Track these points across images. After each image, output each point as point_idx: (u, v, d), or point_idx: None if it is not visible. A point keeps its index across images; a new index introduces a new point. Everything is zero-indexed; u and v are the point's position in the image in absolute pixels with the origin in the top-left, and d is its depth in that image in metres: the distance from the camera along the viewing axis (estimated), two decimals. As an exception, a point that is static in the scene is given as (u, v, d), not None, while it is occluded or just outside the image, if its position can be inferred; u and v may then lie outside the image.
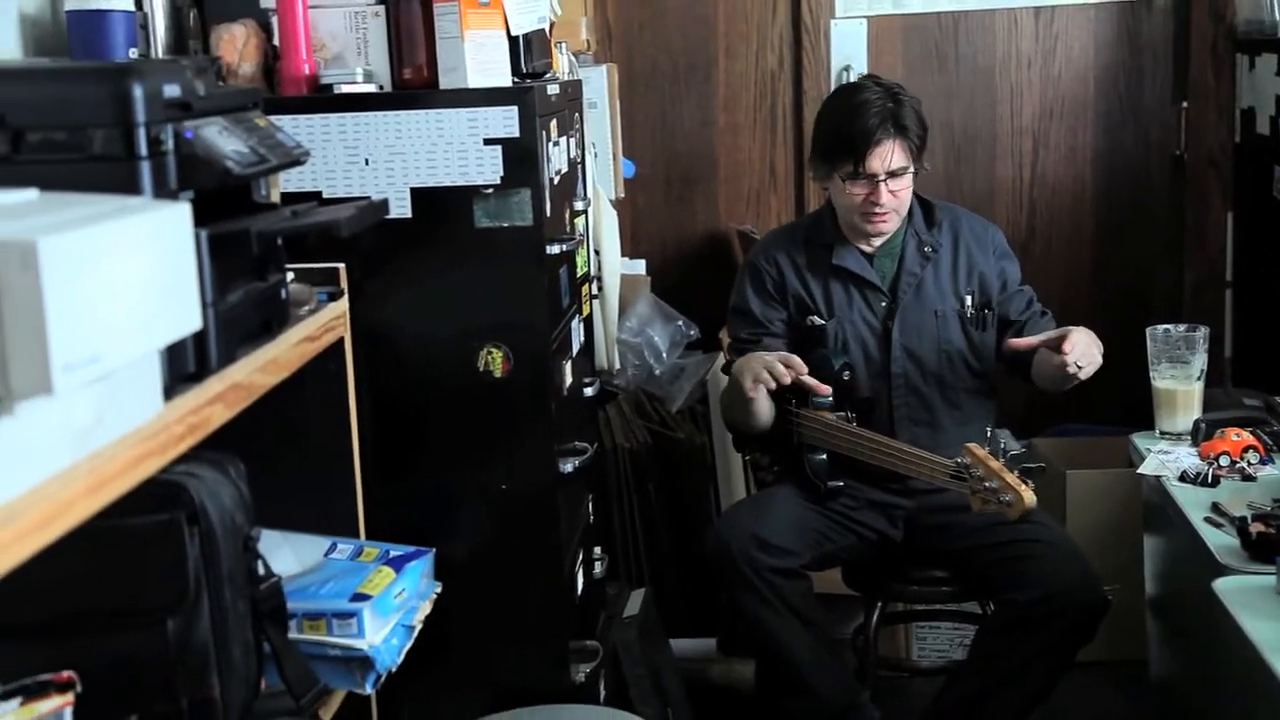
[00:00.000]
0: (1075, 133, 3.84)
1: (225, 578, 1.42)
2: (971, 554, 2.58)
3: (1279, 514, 2.09)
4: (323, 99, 2.19)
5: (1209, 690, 2.18)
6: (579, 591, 2.50)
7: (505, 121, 2.18)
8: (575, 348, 2.57)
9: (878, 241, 2.73)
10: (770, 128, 3.88)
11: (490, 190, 2.20)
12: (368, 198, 2.09)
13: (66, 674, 1.22)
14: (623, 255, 3.41)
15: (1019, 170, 3.86)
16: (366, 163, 2.19)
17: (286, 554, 1.73)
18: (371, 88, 2.21)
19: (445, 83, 2.20)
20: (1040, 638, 2.46)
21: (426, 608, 1.80)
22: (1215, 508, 2.21)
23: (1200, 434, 2.50)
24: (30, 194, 1.11)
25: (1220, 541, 2.09)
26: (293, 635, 1.57)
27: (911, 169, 2.64)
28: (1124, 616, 2.70)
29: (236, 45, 2.17)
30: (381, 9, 2.22)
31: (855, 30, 3.80)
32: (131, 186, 1.24)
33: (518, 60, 2.33)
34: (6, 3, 1.97)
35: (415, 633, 1.75)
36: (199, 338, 1.27)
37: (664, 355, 3.46)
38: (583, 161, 2.80)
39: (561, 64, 2.80)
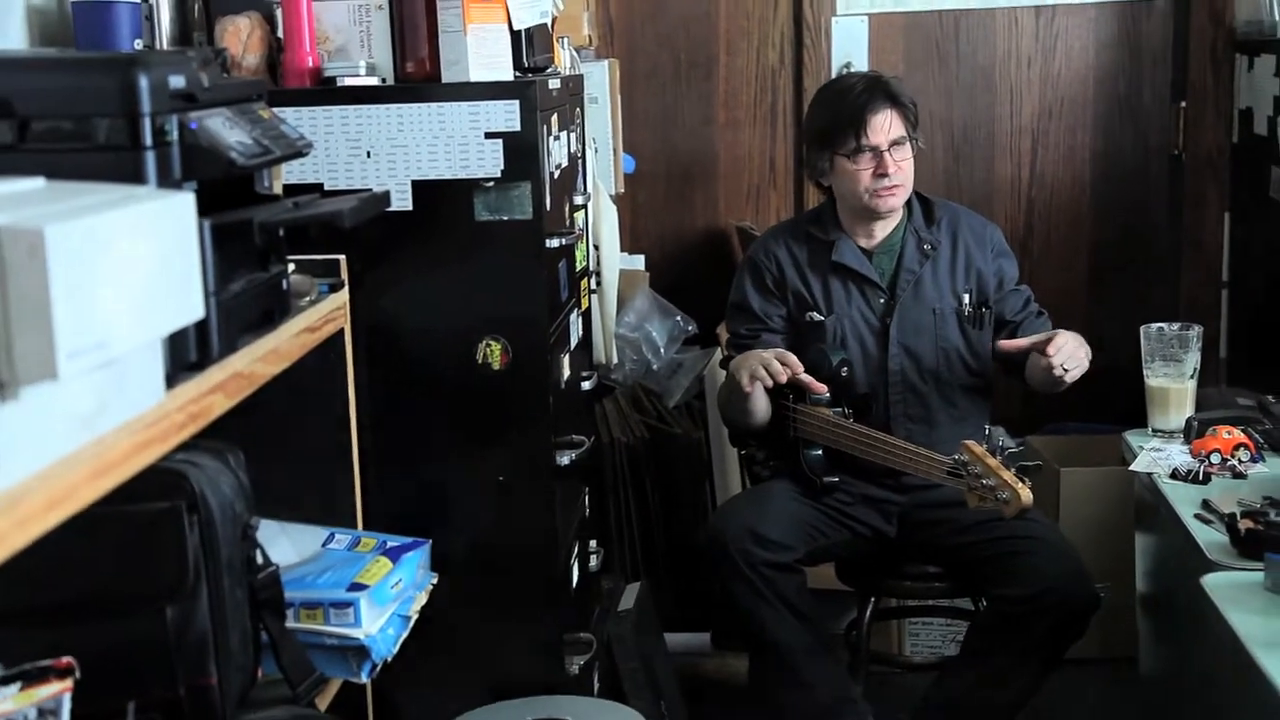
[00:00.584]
0: (1074, 132, 3.85)
1: (224, 566, 1.44)
2: (964, 550, 2.60)
3: (1268, 511, 2.10)
4: (326, 91, 2.20)
5: (1198, 686, 2.19)
6: (574, 584, 2.51)
7: (507, 115, 2.19)
8: (573, 341, 2.58)
9: (879, 235, 2.74)
10: (770, 124, 3.89)
11: (491, 184, 2.21)
12: (369, 190, 2.10)
13: (66, 660, 1.23)
14: (622, 250, 3.42)
15: (1018, 169, 3.87)
16: (368, 155, 2.20)
17: (284, 544, 1.75)
18: (374, 81, 2.22)
19: (447, 76, 2.21)
20: (1032, 634, 2.47)
21: (423, 598, 1.81)
22: (1206, 505, 2.23)
23: (1192, 432, 2.52)
24: (37, 182, 1.12)
25: (1210, 538, 2.10)
26: (290, 624, 1.58)
27: (910, 140, 2.67)
28: (1115, 613, 2.71)
29: (241, 37, 2.18)
30: (385, 2, 2.22)
31: (856, 27, 3.81)
32: (136, 176, 1.25)
33: (520, 54, 2.34)
34: (13, -6, 1.98)
35: (411, 623, 1.76)
36: (201, 327, 1.28)
37: (661, 350, 3.47)
38: (583, 156, 2.81)
39: (563, 59, 2.81)
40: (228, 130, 1.37)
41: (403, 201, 2.21)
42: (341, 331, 1.79)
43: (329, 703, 1.74)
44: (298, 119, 2.11)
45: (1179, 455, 2.47)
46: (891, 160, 2.64)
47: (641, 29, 3.87)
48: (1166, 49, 3.78)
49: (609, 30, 3.85)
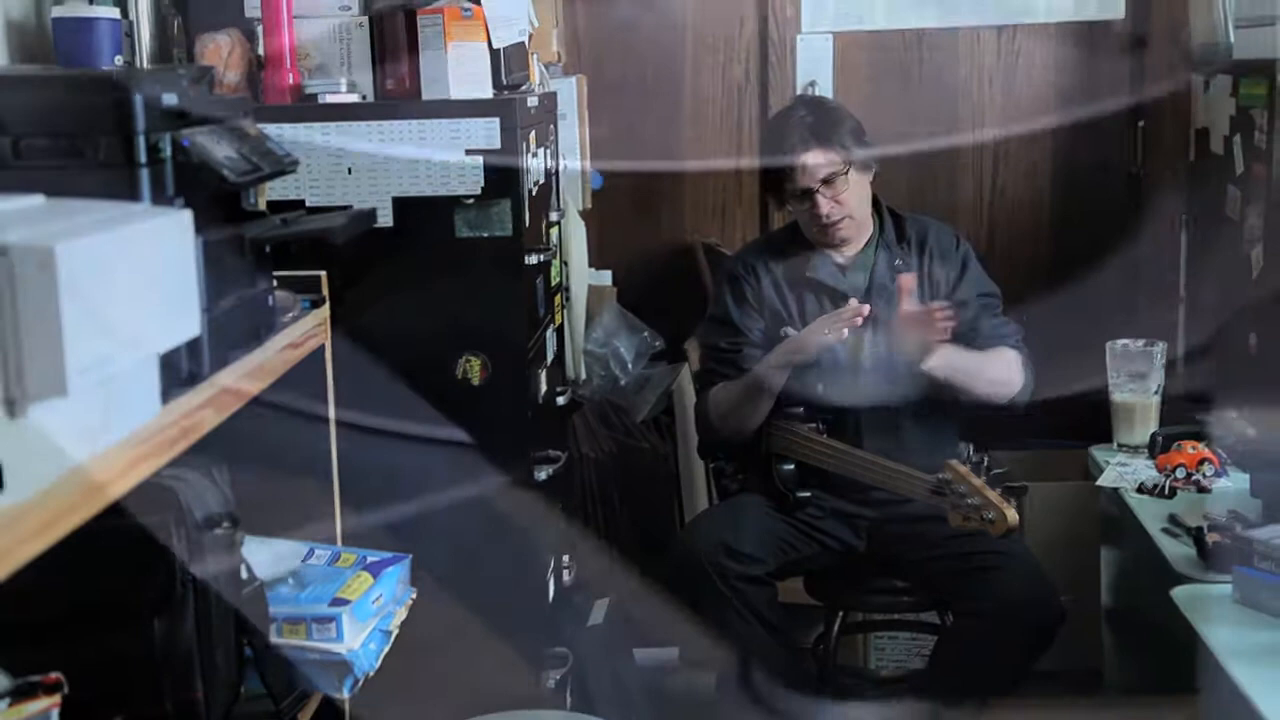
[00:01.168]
0: (1034, 149, 3.90)
1: (210, 580, 1.44)
2: (933, 564, 2.62)
3: (1234, 525, 2.14)
4: (307, 108, 2.21)
5: (1163, 697, 2.23)
6: (550, 599, 2.51)
7: (487, 133, 2.20)
8: (549, 357, 2.59)
9: (849, 251, 2.77)
10: (736, 141, 3.91)
11: (471, 200, 2.22)
12: (350, 206, 2.11)
13: (54, 675, 1.23)
14: (589, 266, 3.43)
15: (980, 186, 3.91)
16: (350, 171, 2.21)
17: (265, 558, 1.74)
18: (355, 98, 2.23)
19: (428, 94, 2.22)
20: (998, 648, 2.50)
21: (403, 613, 1.81)
22: (1173, 519, 2.27)
23: (1157, 447, 2.56)
24: (36, 200, 1.13)
25: (1178, 552, 2.14)
26: (273, 639, 1.59)
27: (847, 172, 2.68)
28: (1079, 626, 2.74)
29: (221, 54, 2.18)
30: (365, 20, 2.23)
31: (821, 45, 3.84)
32: (131, 193, 1.25)
33: (498, 72, 2.35)
34: (-9, 9, 1.97)
35: (392, 637, 1.77)
36: (194, 343, 1.28)
37: (629, 366, 3.48)
38: (557, 173, 2.83)
39: (535, 75, 2.82)
40: (218, 147, 1.38)
41: (384, 218, 2.21)
42: (323, 347, 1.79)
43: (309, 719, 1.74)
44: (279, 136, 2.09)
45: (1145, 470, 2.51)
46: (824, 199, 2.67)
47: (609, 45, 3.89)
48: (1125, 69, 3.85)
49: (577, 46, 3.86)
